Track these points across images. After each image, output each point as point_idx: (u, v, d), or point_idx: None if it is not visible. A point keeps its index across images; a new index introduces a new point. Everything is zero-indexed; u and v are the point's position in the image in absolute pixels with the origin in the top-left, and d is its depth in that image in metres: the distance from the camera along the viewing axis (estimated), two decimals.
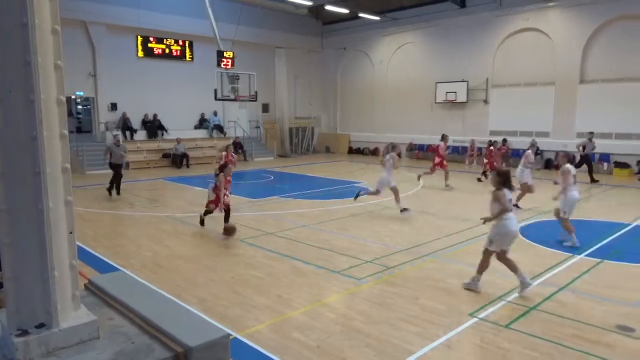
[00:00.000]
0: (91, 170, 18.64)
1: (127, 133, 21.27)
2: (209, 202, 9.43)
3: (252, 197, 13.53)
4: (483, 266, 6.30)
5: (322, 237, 9.16)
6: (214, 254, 8.22)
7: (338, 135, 29.36)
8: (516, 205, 10.81)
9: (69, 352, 2.57)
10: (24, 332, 2.52)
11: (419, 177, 15.81)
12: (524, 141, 20.97)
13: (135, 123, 21.94)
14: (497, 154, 16.20)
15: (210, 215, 9.63)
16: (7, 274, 2.53)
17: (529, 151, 12.61)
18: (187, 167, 21.16)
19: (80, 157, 18.96)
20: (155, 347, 2.61)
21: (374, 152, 26.54)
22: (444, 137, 15.56)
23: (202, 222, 9.80)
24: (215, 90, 20.57)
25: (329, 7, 23.59)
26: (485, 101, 22.57)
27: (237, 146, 23.74)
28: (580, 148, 16.84)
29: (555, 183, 8.96)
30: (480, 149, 22.13)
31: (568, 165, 8.56)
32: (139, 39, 22.07)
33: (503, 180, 6.16)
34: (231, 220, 9.27)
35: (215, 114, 24.63)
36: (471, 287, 6.32)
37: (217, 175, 9.47)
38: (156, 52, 22.64)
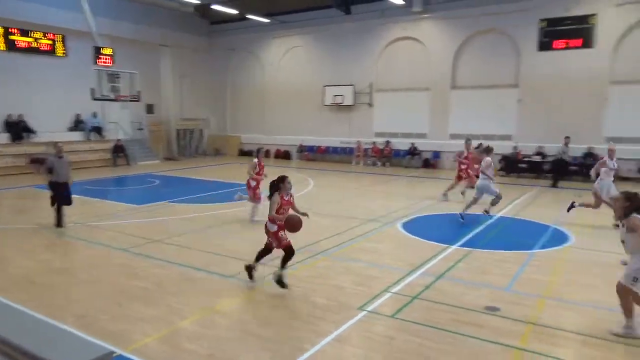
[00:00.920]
0: None
1: None
2: (269, 241, 6.53)
3: (136, 204, 12.77)
4: (631, 308, 5.11)
5: (213, 242, 8.95)
6: (94, 265, 7.60)
7: (228, 137, 28.88)
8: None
9: None
10: None
11: (462, 193, 13.27)
12: (403, 142, 22.58)
13: None
14: (473, 159, 12.94)
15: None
16: None
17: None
18: None
19: None
20: None
21: (267, 154, 26.57)
22: (468, 141, 13.52)
23: (250, 275, 6.68)
24: (93, 90, 19.05)
25: (216, 7, 23.11)
26: (370, 104, 23.78)
27: (119, 149, 22.28)
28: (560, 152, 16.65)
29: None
30: (366, 149, 23.41)
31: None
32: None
33: (637, 206, 5.06)
34: (142, 234, 8.48)
35: (94, 115, 22.71)
36: (630, 334, 5.04)
37: (271, 196, 6.45)
38: (20, 46, 20.26)
